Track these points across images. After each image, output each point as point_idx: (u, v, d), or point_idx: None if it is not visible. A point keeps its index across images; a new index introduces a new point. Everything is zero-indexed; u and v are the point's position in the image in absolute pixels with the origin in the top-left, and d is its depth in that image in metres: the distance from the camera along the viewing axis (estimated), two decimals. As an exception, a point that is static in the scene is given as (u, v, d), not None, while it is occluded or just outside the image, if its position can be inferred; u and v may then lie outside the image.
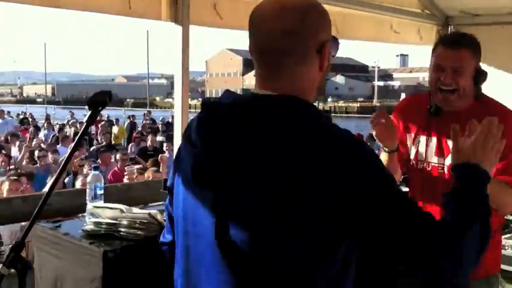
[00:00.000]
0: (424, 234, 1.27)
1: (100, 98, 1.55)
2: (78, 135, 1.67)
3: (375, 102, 77.69)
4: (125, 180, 6.62)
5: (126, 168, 7.45)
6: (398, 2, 4.65)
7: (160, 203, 2.99)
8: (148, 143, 11.95)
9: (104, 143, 13.21)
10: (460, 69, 2.28)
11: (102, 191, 2.76)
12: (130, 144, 14.81)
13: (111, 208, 2.56)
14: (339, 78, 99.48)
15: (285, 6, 1.35)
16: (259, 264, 1.29)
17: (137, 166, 7.53)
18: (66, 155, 1.66)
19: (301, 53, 1.37)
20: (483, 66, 5.09)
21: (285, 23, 1.34)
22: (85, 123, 1.56)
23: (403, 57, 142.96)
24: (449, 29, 5.05)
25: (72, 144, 1.86)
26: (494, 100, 2.43)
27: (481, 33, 4.88)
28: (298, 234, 1.26)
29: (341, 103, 70.29)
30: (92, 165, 2.96)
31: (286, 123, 1.30)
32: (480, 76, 2.34)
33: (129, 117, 23.11)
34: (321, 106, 43.20)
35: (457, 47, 2.32)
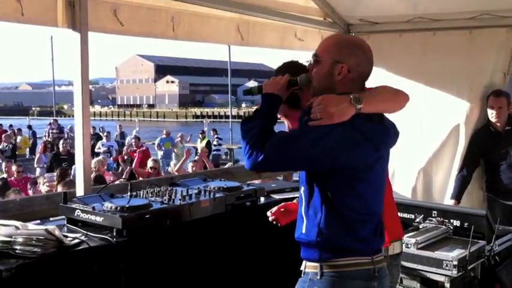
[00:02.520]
0: None
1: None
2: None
3: (287, 107, 78.95)
4: (45, 188, 6.51)
5: (45, 175, 7.27)
6: (302, 10, 4.75)
7: (60, 217, 2.88)
8: (61, 148, 11.96)
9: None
10: None
11: (-5, 207, 2.61)
12: (38, 155, 14.29)
13: (5, 225, 2.43)
14: (252, 84, 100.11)
15: None
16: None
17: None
18: None
19: None
20: (382, 71, 5.36)
21: None
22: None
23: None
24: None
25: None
26: None
27: (380, 40, 5.16)
28: None
29: (255, 108, 71.06)
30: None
31: None
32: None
33: (28, 127, 22.32)
34: (234, 111, 43.35)
35: None
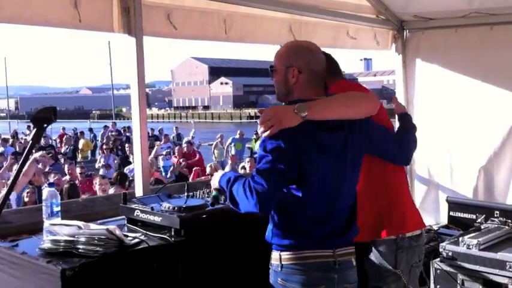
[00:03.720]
0: None
1: (44, 114, 1.53)
2: (25, 153, 1.63)
3: (342, 106, 78.52)
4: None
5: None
6: (354, 8, 4.69)
7: (121, 217, 2.97)
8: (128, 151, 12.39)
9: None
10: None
11: (58, 208, 2.71)
12: (99, 156, 14.83)
13: (68, 225, 2.52)
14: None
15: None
16: None
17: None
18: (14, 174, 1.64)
19: None
20: (437, 67, 5.22)
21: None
22: (30, 141, 1.54)
23: (367, 61, 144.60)
24: (405, 33, 5.14)
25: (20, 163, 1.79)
26: None
27: (435, 36, 5.04)
28: None
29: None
30: (47, 182, 2.91)
31: None
32: None
33: (89, 130, 23.06)
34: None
35: None
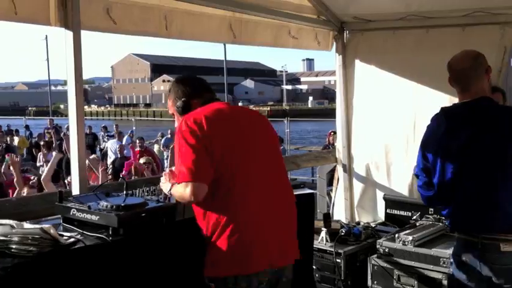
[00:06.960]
0: None
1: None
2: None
3: (285, 105, 79.48)
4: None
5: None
6: (295, 8, 4.74)
7: (56, 216, 2.88)
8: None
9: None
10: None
11: (-11, 208, 2.60)
12: (39, 154, 14.41)
13: (0, 224, 2.43)
14: (249, 83, 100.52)
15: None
16: None
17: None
18: None
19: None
20: (375, 69, 5.31)
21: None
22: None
23: (309, 61, 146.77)
24: (345, 34, 5.24)
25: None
26: None
27: (373, 38, 5.16)
28: None
29: (252, 107, 71.03)
30: (-22, 181, 2.79)
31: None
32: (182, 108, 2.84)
33: (26, 127, 22.32)
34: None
35: None
